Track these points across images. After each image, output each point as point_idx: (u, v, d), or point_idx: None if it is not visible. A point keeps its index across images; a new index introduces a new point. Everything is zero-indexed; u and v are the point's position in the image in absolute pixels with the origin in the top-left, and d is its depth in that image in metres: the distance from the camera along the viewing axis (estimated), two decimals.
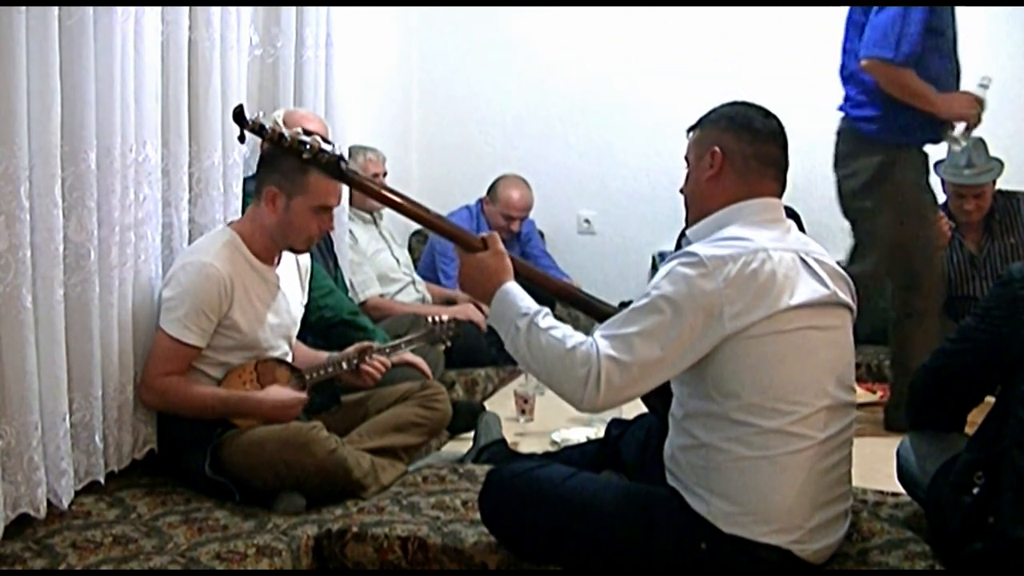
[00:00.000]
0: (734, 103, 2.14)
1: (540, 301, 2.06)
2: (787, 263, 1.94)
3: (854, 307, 2.08)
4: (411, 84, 5.37)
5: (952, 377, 2.16)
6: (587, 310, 2.29)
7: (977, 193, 4.06)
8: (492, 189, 4.79)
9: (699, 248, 1.94)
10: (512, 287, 2.07)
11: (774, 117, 2.12)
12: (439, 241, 4.74)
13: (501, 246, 2.13)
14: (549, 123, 5.26)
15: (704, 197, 2.08)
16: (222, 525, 2.36)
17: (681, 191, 2.16)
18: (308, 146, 2.10)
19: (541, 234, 5.15)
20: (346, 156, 2.14)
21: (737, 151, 2.06)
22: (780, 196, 2.10)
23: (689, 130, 2.17)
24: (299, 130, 2.12)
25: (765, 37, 4.91)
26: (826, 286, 1.98)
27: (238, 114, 2.13)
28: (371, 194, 2.24)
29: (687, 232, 2.12)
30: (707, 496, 1.94)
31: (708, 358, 1.91)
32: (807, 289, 1.94)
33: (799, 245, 2.02)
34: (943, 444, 2.18)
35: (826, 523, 1.97)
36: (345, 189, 3.76)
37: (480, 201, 4.84)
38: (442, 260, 4.65)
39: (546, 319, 1.98)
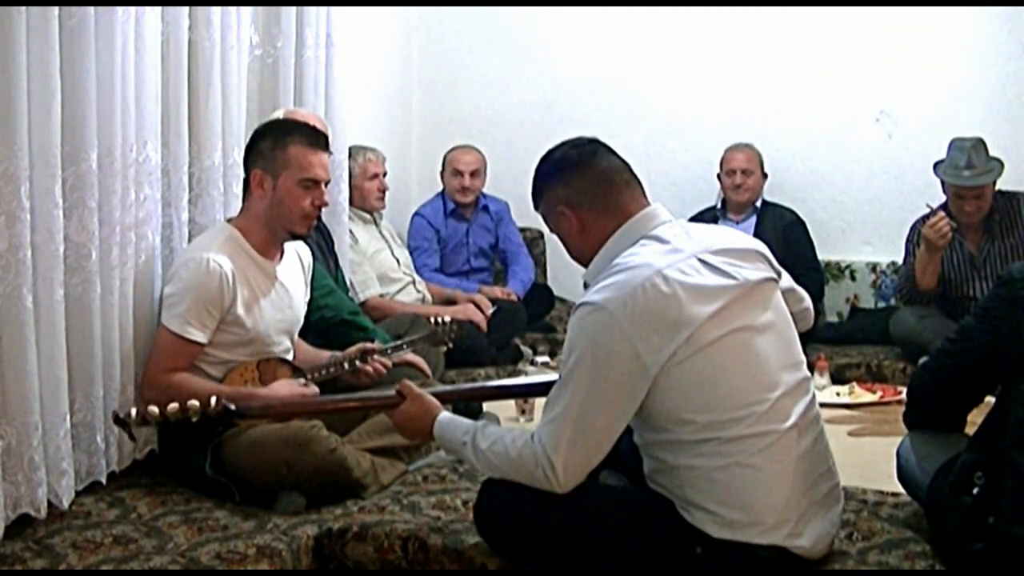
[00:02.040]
0: (538, 163, 2.11)
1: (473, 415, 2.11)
2: (685, 272, 1.89)
3: (775, 274, 2.04)
4: (411, 84, 5.37)
5: (952, 377, 2.15)
6: (527, 394, 2.32)
7: (977, 194, 4.05)
8: (443, 160, 4.82)
9: (593, 295, 1.90)
10: (442, 421, 2.13)
11: (577, 141, 2.09)
12: (416, 227, 4.76)
13: (415, 390, 2.19)
14: (549, 123, 5.24)
15: (588, 249, 2.05)
16: (222, 525, 2.36)
17: (572, 258, 2.12)
18: (190, 411, 2.19)
19: (540, 234, 5.14)
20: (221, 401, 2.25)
21: (578, 194, 2.03)
22: (644, 196, 2.06)
23: (536, 211, 2.14)
24: (176, 405, 2.19)
25: (765, 37, 4.92)
26: (733, 277, 1.93)
27: (116, 419, 2.25)
28: (274, 415, 2.40)
29: (584, 277, 2.08)
30: (690, 509, 1.94)
31: (649, 397, 1.89)
32: (714, 292, 1.90)
33: (695, 245, 1.96)
34: (943, 444, 2.18)
35: (814, 506, 1.95)
36: (344, 183, 3.78)
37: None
38: (413, 239, 4.70)
39: (484, 435, 2.03)
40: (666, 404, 1.90)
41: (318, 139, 2.67)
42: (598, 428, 1.89)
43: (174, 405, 2.18)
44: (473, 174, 4.74)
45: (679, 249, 1.94)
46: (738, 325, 1.91)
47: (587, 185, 2.03)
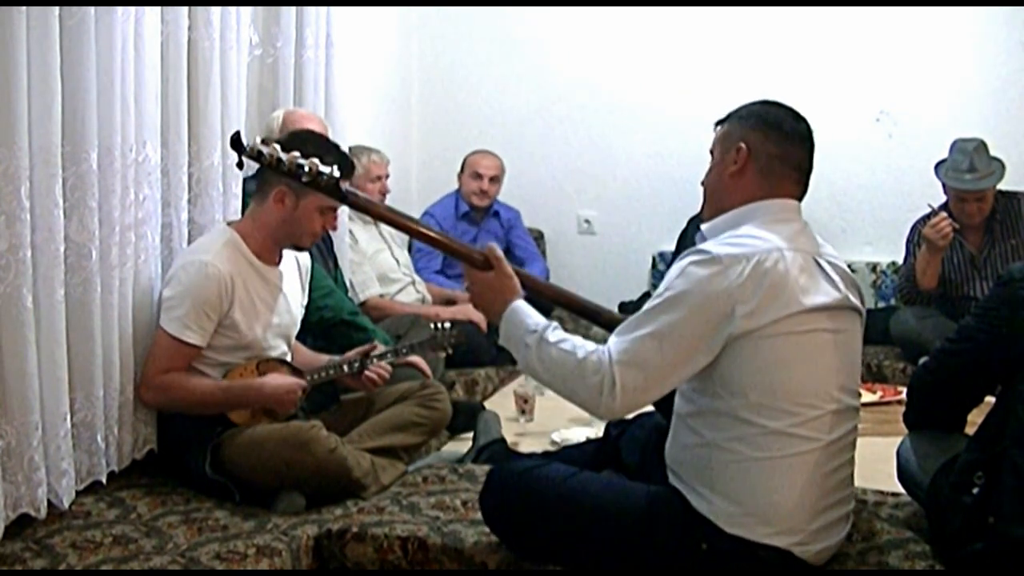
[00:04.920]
0: (766, 102, 2.12)
1: (545, 312, 2.06)
2: (800, 264, 1.93)
3: (863, 311, 2.09)
4: (411, 84, 5.37)
5: (952, 377, 2.16)
6: (594, 319, 2.30)
7: (979, 197, 4.04)
8: (463, 163, 4.82)
9: (712, 246, 1.93)
10: (518, 306, 2.07)
11: (804, 120, 2.09)
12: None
13: (505, 265, 2.13)
14: (549, 123, 5.26)
15: (724, 192, 2.07)
16: (222, 525, 2.36)
17: (702, 183, 2.14)
18: (307, 169, 2.11)
19: (541, 234, 5.15)
20: (339, 172, 2.17)
21: (762, 150, 2.03)
22: (800, 198, 2.08)
23: (717, 123, 2.15)
24: (296, 154, 2.11)
25: (765, 38, 4.92)
26: (838, 289, 1.98)
27: (235, 141, 2.12)
28: (372, 214, 2.30)
29: (702, 228, 2.10)
30: (709, 495, 1.94)
31: (718, 356, 1.91)
32: (820, 292, 1.94)
33: (813, 247, 2.01)
34: (943, 444, 2.18)
35: (828, 525, 1.97)
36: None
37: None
38: (417, 255, 4.69)
39: (555, 332, 1.99)
40: (731, 369, 1.91)
41: (347, 167, 2.64)
42: (668, 364, 1.89)
43: (295, 154, 2.10)
44: (492, 179, 4.75)
45: (800, 243, 1.98)
46: (825, 327, 1.94)
47: (776, 153, 2.03)
